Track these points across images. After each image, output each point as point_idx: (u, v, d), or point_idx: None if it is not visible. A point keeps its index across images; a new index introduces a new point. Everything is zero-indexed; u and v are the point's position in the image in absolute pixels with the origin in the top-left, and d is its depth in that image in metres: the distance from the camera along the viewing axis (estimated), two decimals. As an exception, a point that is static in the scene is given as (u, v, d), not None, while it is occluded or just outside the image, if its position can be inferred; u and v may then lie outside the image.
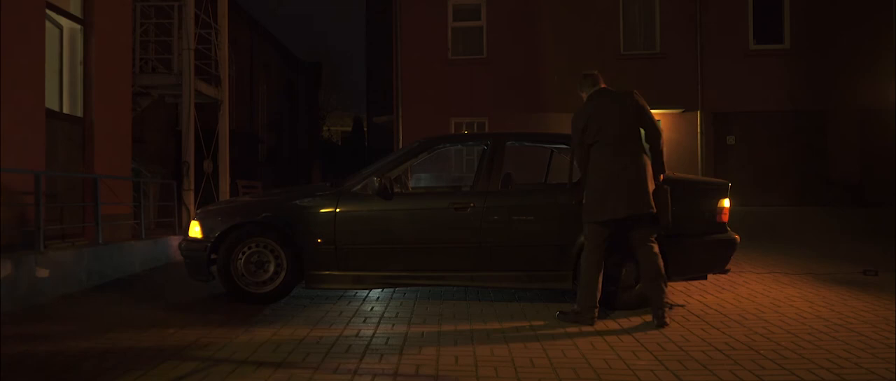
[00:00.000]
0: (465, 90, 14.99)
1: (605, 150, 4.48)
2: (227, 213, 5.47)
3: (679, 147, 14.93)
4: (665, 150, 4.72)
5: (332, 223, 5.14)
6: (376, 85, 29.07)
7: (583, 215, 4.57)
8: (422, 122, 14.61)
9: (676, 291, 5.71)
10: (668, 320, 4.42)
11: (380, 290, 5.83)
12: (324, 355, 3.74)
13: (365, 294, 5.71)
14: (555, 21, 15.12)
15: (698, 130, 14.88)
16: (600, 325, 4.46)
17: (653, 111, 14.75)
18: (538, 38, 15.16)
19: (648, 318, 4.62)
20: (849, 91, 14.43)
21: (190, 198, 10.27)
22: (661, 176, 4.60)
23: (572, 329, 4.34)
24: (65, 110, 7.47)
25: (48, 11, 6.86)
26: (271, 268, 5.22)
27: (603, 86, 4.78)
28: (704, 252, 5.10)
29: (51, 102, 7.07)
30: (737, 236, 5.16)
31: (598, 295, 4.50)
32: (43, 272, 5.56)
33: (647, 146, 4.59)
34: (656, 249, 4.48)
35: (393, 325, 4.51)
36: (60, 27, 7.42)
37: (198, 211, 5.75)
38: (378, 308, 5.11)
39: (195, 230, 5.41)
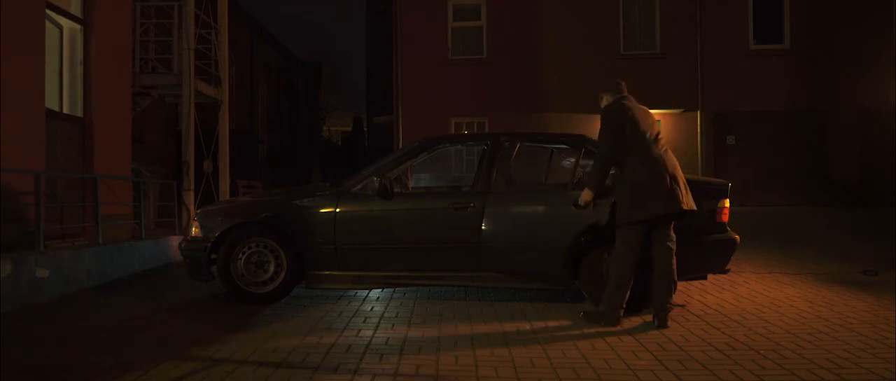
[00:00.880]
0: (465, 90, 14.99)
1: (645, 150, 4.45)
2: (227, 213, 5.47)
3: (679, 147, 14.92)
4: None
5: (332, 223, 5.14)
6: (376, 85, 29.08)
7: (618, 216, 4.51)
8: (422, 122, 14.61)
9: (677, 291, 5.69)
10: (669, 321, 4.42)
11: (380, 290, 5.82)
12: (324, 355, 3.74)
13: (365, 294, 5.71)
14: (555, 21, 15.12)
15: (698, 130, 14.89)
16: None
17: (653, 111, 14.80)
18: (538, 38, 15.16)
19: (648, 318, 4.62)
20: (849, 91, 14.43)
21: (190, 198, 10.27)
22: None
23: (573, 329, 4.34)
24: (65, 110, 7.47)
25: (48, 11, 6.86)
26: (271, 268, 5.22)
27: (625, 93, 4.73)
28: (704, 252, 5.09)
29: (51, 102, 7.07)
30: (737, 236, 5.16)
31: (627, 297, 4.47)
32: (43, 272, 5.56)
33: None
34: (674, 250, 4.47)
35: (393, 325, 4.51)
36: (60, 27, 7.42)
37: (198, 211, 5.75)
38: (378, 308, 5.11)
39: (195, 230, 5.42)
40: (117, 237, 7.43)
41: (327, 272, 5.17)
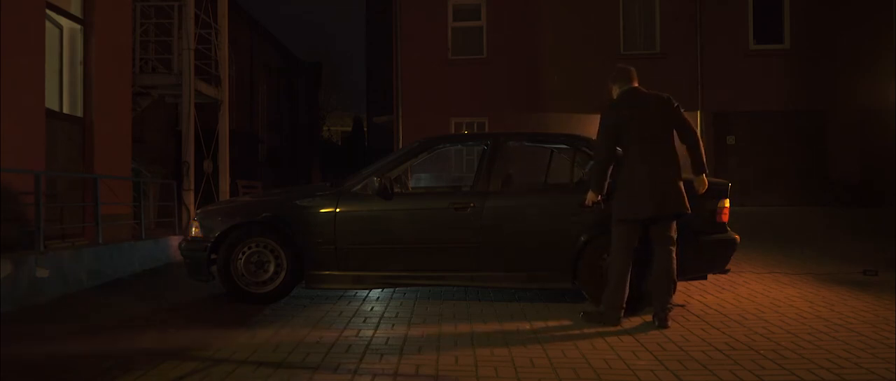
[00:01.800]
0: (465, 90, 14.99)
1: (640, 149, 4.46)
2: (227, 213, 5.47)
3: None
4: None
5: (332, 223, 5.14)
6: (376, 85, 29.08)
7: (614, 213, 4.51)
8: (422, 122, 14.61)
9: (677, 291, 5.69)
10: (669, 322, 4.42)
11: (380, 290, 5.82)
12: (324, 355, 3.74)
13: (365, 294, 5.71)
14: (555, 21, 15.12)
15: (698, 130, 14.85)
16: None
17: (653, 111, 14.22)
18: (538, 38, 15.16)
19: (648, 318, 4.62)
20: (849, 91, 14.43)
21: (190, 198, 10.27)
22: (704, 175, 4.61)
23: (573, 329, 4.34)
24: (65, 110, 7.47)
25: (48, 11, 6.86)
26: (271, 268, 5.22)
27: (636, 84, 4.71)
28: (704, 252, 5.09)
29: (51, 102, 7.07)
30: (737, 236, 5.16)
31: (626, 296, 4.47)
32: (43, 272, 5.56)
33: (684, 147, 4.57)
34: (674, 251, 4.47)
35: (393, 325, 4.51)
36: (60, 27, 7.42)
37: (198, 211, 5.75)
38: (378, 308, 5.10)
39: (195, 230, 5.42)
40: (117, 237, 7.43)
41: (327, 272, 5.17)
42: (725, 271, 5.22)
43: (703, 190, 4.61)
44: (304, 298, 5.51)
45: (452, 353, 3.77)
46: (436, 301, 5.36)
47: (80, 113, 7.53)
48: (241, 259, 5.21)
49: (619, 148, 4.54)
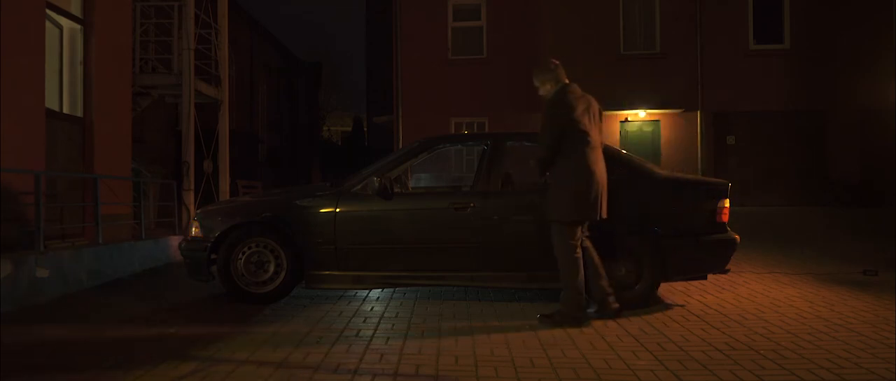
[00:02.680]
0: (465, 90, 15.00)
1: (587, 149, 4.48)
2: (227, 213, 5.47)
3: (679, 147, 14.94)
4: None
5: (332, 223, 5.14)
6: (376, 85, 29.10)
7: (556, 212, 4.49)
8: (422, 122, 14.62)
9: (676, 291, 5.71)
10: (616, 306, 4.50)
11: (380, 290, 5.82)
12: (324, 355, 3.74)
13: (365, 294, 5.71)
14: (555, 21, 15.13)
15: (698, 130, 14.90)
16: (600, 325, 4.46)
17: (653, 111, 14.77)
18: (538, 38, 15.17)
19: (648, 318, 4.62)
20: (849, 91, 14.44)
21: (190, 198, 10.27)
22: None
23: (572, 329, 4.34)
24: (65, 110, 7.47)
25: (48, 11, 6.86)
26: (271, 268, 5.22)
27: (567, 81, 4.70)
28: (704, 252, 5.10)
29: (51, 102, 7.07)
30: (737, 236, 5.16)
31: (584, 294, 4.48)
32: (43, 272, 5.56)
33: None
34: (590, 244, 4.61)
35: (393, 325, 4.51)
36: (60, 27, 7.42)
37: (198, 211, 5.75)
38: (378, 308, 5.11)
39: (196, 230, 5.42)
40: (117, 237, 7.43)
41: (327, 272, 5.16)
42: (725, 271, 5.22)
43: None
44: (304, 298, 5.51)
45: (452, 353, 3.77)
46: (436, 301, 5.36)
47: (80, 113, 7.53)
48: (241, 259, 5.21)
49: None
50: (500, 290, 5.74)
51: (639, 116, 15.02)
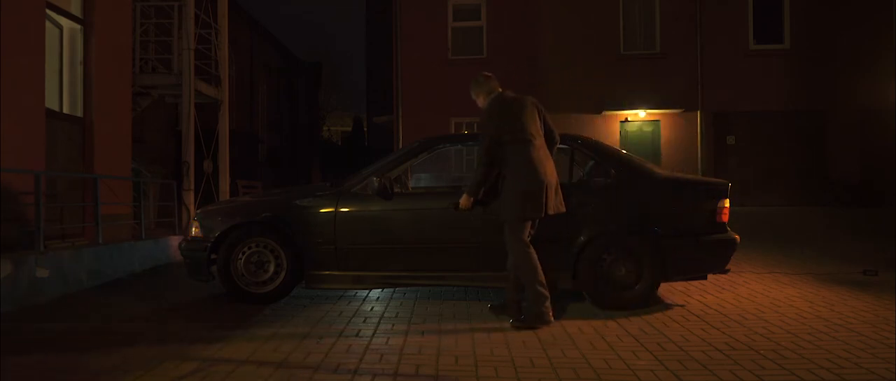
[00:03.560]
0: (465, 90, 14.87)
1: (530, 149, 4.50)
2: (227, 213, 5.47)
3: (679, 147, 14.94)
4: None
5: (332, 223, 5.14)
6: (376, 85, 29.09)
7: (507, 212, 4.51)
8: (422, 122, 14.62)
9: (676, 291, 5.71)
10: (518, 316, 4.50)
11: (380, 290, 5.82)
12: (324, 355, 3.74)
13: (365, 294, 5.71)
14: (555, 21, 15.13)
15: (698, 130, 14.90)
16: (600, 325, 4.46)
17: (653, 111, 14.73)
18: (538, 38, 15.17)
19: (648, 318, 4.62)
20: (849, 91, 14.44)
21: (190, 198, 10.27)
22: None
23: (572, 329, 4.34)
24: (65, 110, 7.47)
25: (48, 11, 6.86)
26: (271, 268, 5.22)
27: (501, 90, 4.82)
28: (704, 252, 5.10)
29: (51, 102, 7.07)
30: (737, 236, 5.16)
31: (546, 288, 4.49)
32: (43, 272, 5.56)
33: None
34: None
35: (393, 325, 4.51)
36: (60, 27, 7.42)
37: (198, 211, 5.75)
38: (378, 308, 5.11)
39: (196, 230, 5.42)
40: (117, 237, 7.43)
41: (327, 272, 5.16)
42: (725, 271, 5.22)
43: None
44: (304, 298, 5.51)
45: (452, 353, 3.77)
46: (436, 301, 5.36)
47: (80, 113, 7.53)
48: (241, 259, 5.21)
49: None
50: (500, 290, 5.73)
51: (639, 116, 15.02)
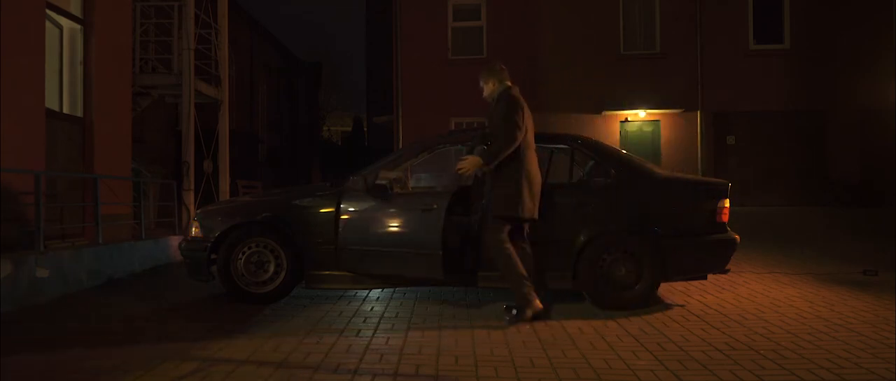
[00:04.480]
0: (465, 90, 14.86)
1: (529, 150, 4.68)
2: (226, 213, 5.47)
3: (679, 147, 14.93)
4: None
5: (332, 223, 5.13)
6: (376, 85, 29.07)
7: (500, 208, 4.56)
8: (422, 122, 14.61)
9: (676, 291, 5.71)
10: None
11: (380, 290, 5.82)
12: (324, 355, 3.74)
13: (365, 294, 5.71)
14: (555, 21, 15.13)
15: (698, 130, 14.89)
16: (600, 325, 4.47)
17: (653, 111, 14.70)
18: (538, 38, 15.17)
19: (648, 318, 4.62)
20: (849, 91, 14.44)
21: (190, 198, 10.27)
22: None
23: (572, 329, 4.34)
24: (65, 110, 7.47)
25: (48, 11, 6.86)
26: (271, 268, 5.22)
27: (511, 84, 4.88)
28: (704, 252, 5.10)
29: (51, 102, 7.07)
30: (737, 236, 5.16)
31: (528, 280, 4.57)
32: (43, 272, 5.56)
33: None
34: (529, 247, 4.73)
35: (393, 325, 4.51)
36: (60, 27, 7.42)
37: (198, 211, 5.75)
38: (378, 308, 5.11)
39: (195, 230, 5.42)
40: (117, 237, 7.43)
41: (327, 272, 5.16)
42: (725, 271, 5.23)
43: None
44: (304, 298, 5.51)
45: (452, 353, 3.77)
46: (436, 301, 5.36)
47: (80, 113, 7.53)
48: (241, 259, 5.21)
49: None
50: (500, 290, 5.74)
51: (639, 116, 15.01)
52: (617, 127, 15.15)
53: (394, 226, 5.09)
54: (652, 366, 3.51)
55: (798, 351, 3.79)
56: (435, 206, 4.82)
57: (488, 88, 4.88)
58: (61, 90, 7.47)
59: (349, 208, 5.15)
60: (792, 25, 14.81)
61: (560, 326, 4.46)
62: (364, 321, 4.63)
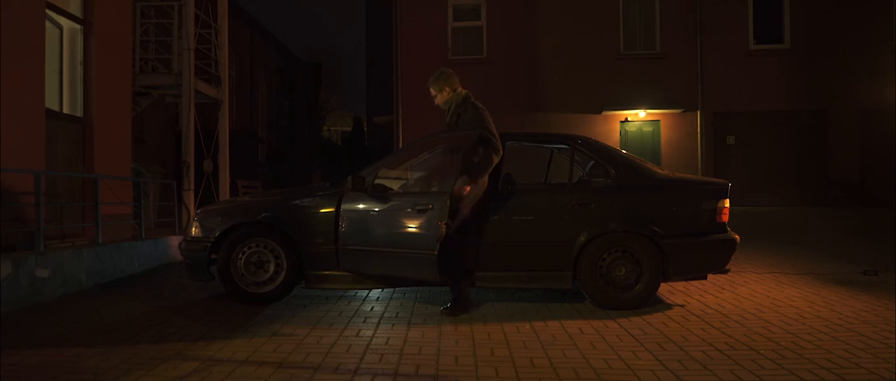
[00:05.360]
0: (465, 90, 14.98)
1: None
2: (226, 213, 5.47)
3: (679, 147, 14.94)
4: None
5: (332, 223, 5.13)
6: (376, 85, 29.09)
7: (463, 211, 4.72)
8: (422, 122, 14.59)
9: (676, 291, 5.71)
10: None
11: (380, 290, 5.82)
12: (324, 355, 3.74)
13: (365, 294, 5.71)
14: (555, 21, 15.13)
15: (698, 130, 14.89)
16: (600, 325, 4.47)
17: (653, 111, 14.76)
18: (538, 38, 15.16)
19: (648, 318, 4.62)
20: (849, 91, 14.44)
21: (190, 198, 10.27)
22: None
23: (573, 329, 4.34)
24: (65, 110, 7.47)
25: (48, 11, 6.86)
26: (271, 268, 5.22)
27: (465, 91, 5.20)
28: (704, 252, 5.10)
29: (51, 102, 7.07)
30: (737, 236, 5.16)
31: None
32: (43, 272, 5.56)
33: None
34: None
35: (393, 325, 4.51)
36: (60, 27, 7.42)
37: (198, 211, 5.75)
38: (378, 308, 5.11)
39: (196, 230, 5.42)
40: (117, 237, 7.43)
41: (327, 272, 5.16)
42: (725, 271, 5.23)
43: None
44: (304, 298, 5.51)
45: (452, 353, 3.77)
46: (436, 301, 5.36)
47: (80, 113, 7.53)
48: (241, 259, 5.21)
49: None
50: (500, 290, 5.74)
51: (639, 116, 15.01)
52: (617, 127, 15.15)
53: (392, 226, 5.06)
54: (652, 366, 3.51)
55: (798, 351, 3.79)
56: (431, 206, 4.79)
57: (443, 97, 5.16)
58: (61, 90, 7.47)
59: (349, 208, 5.14)
60: (792, 25, 14.82)
61: (560, 326, 4.46)
62: (364, 321, 4.63)
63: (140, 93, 10.29)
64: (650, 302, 5.08)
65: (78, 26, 7.48)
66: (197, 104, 10.56)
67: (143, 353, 3.79)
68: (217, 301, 5.43)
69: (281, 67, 26.34)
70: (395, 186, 5.43)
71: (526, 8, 15.19)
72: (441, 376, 3.36)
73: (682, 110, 14.85)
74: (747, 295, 5.54)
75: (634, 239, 5.01)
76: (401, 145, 14.62)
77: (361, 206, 5.15)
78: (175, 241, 8.03)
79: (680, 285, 5.81)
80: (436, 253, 4.62)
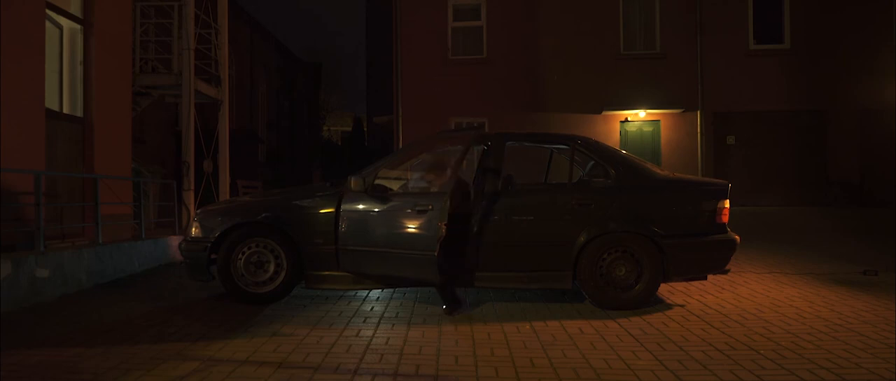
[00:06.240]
0: (465, 90, 14.98)
1: None
2: (226, 213, 5.47)
3: (679, 147, 14.93)
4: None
5: (332, 223, 5.14)
6: (376, 85, 29.09)
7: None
8: (422, 122, 14.61)
9: (676, 291, 5.71)
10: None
11: (380, 290, 5.82)
12: (324, 355, 3.74)
13: (365, 294, 5.71)
14: (555, 21, 15.12)
15: (698, 130, 14.89)
16: (600, 325, 4.47)
17: (653, 111, 14.83)
18: (538, 38, 15.16)
19: (648, 318, 4.62)
20: (849, 91, 14.44)
21: (190, 198, 10.26)
22: None
23: (573, 329, 4.34)
24: (65, 110, 7.47)
25: (48, 11, 6.86)
26: (271, 268, 5.22)
27: None
28: (704, 252, 5.10)
29: (51, 102, 7.07)
30: (737, 237, 5.16)
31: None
32: (43, 272, 5.56)
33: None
34: None
35: (393, 325, 4.51)
36: (60, 27, 7.42)
37: (198, 211, 5.75)
38: (378, 308, 5.11)
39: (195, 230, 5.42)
40: (117, 237, 7.43)
41: (327, 272, 5.16)
42: (725, 272, 5.23)
43: None
44: (304, 298, 5.51)
45: (452, 353, 3.77)
46: (436, 301, 5.35)
47: (80, 113, 7.53)
48: (240, 259, 5.21)
49: None
50: (500, 290, 5.74)
51: (639, 116, 15.01)
52: (617, 127, 15.15)
53: (392, 227, 5.06)
54: (652, 366, 3.51)
55: (798, 351, 3.79)
56: (430, 207, 4.79)
57: None
58: (61, 90, 7.47)
59: (349, 209, 5.14)
60: (792, 25, 14.81)
61: (560, 326, 4.46)
62: (364, 321, 4.63)
63: (140, 93, 10.29)
64: (650, 302, 5.08)
65: (78, 26, 7.48)
66: (197, 104, 10.56)
67: (143, 353, 3.79)
68: (217, 301, 5.43)
69: (281, 67, 26.33)
70: (394, 186, 5.43)
71: (526, 8, 15.19)
72: (441, 376, 3.36)
73: (682, 110, 14.85)
74: (747, 295, 5.54)
75: (634, 239, 5.01)
76: (401, 145, 14.62)
77: (361, 206, 5.15)
78: (175, 241, 8.03)
79: (680, 286, 5.81)
80: (436, 254, 4.62)
